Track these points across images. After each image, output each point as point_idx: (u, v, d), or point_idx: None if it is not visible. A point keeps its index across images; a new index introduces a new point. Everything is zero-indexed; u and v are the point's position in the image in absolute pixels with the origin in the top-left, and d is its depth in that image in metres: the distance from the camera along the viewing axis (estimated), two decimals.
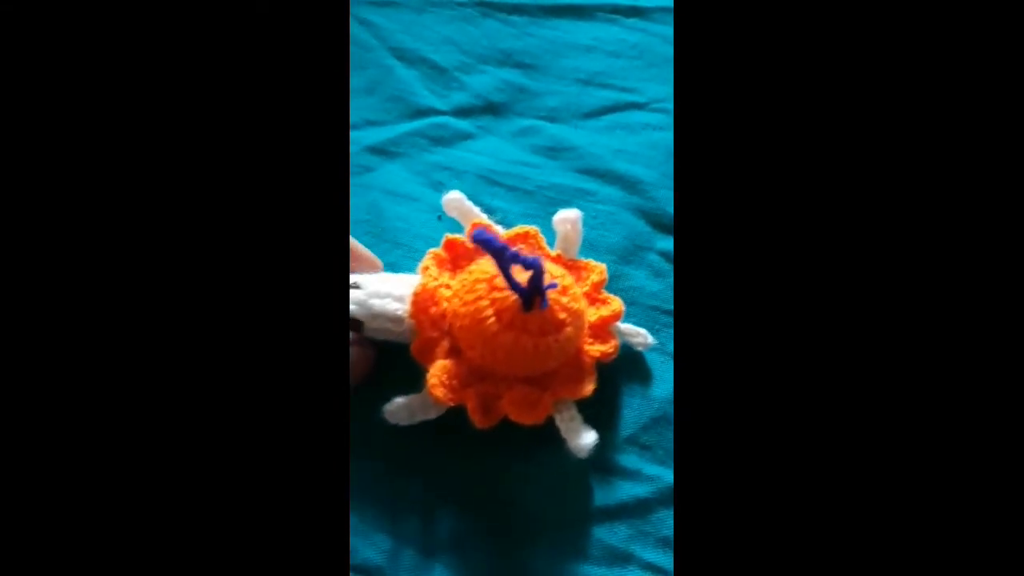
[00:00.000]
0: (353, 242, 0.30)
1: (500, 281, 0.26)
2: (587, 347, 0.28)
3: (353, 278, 0.29)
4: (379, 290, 0.28)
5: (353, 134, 0.37)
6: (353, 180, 0.36)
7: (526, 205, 0.34)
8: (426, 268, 0.29)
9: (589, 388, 0.28)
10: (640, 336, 0.30)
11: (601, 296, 0.30)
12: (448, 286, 0.28)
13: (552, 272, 0.28)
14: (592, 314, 0.29)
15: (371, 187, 0.35)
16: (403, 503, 0.28)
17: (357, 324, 0.28)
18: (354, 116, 0.38)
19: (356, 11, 0.41)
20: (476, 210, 0.31)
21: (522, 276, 0.26)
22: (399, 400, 0.27)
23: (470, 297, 0.27)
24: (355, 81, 0.39)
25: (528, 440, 0.28)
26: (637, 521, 0.27)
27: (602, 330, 0.29)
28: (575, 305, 0.27)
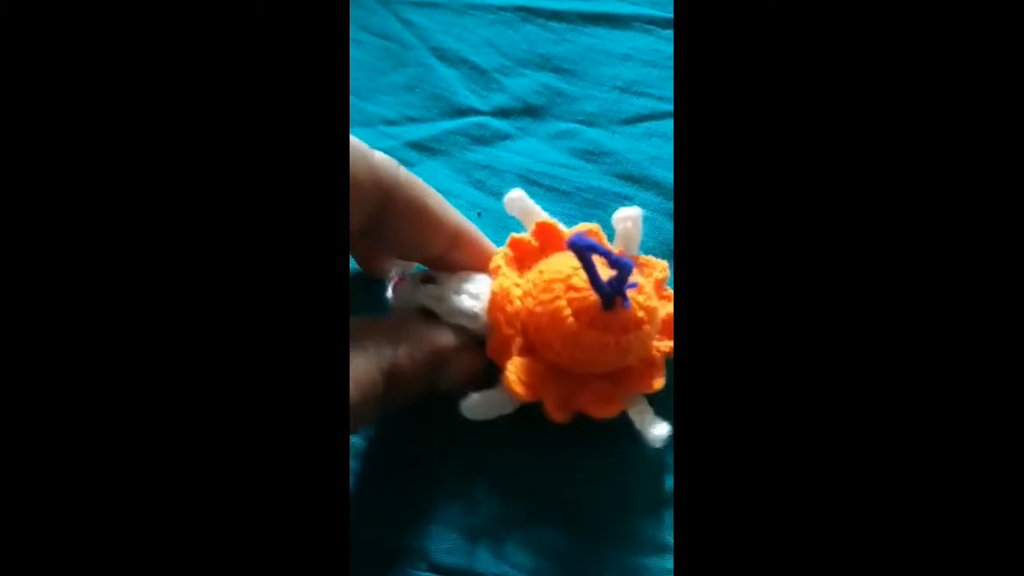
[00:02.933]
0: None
1: (577, 281, 0.27)
2: (656, 343, 0.29)
3: (423, 272, 0.30)
4: (455, 286, 0.29)
5: (394, 130, 0.38)
6: None
7: (564, 206, 0.35)
8: (498, 268, 0.30)
9: (660, 382, 0.28)
10: None
11: (666, 292, 0.31)
12: (518, 284, 0.29)
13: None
14: (660, 310, 0.29)
15: None
16: (449, 491, 0.29)
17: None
18: (395, 112, 0.39)
19: (397, 10, 0.42)
20: (538, 208, 0.31)
21: (603, 274, 0.26)
22: (476, 396, 0.28)
23: (546, 297, 0.27)
24: (396, 78, 0.40)
25: (574, 438, 0.29)
26: None
27: (669, 326, 0.30)
28: (650, 303, 0.28)
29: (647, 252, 0.34)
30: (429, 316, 0.29)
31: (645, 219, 0.35)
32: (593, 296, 0.27)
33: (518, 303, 0.28)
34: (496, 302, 0.28)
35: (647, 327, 0.28)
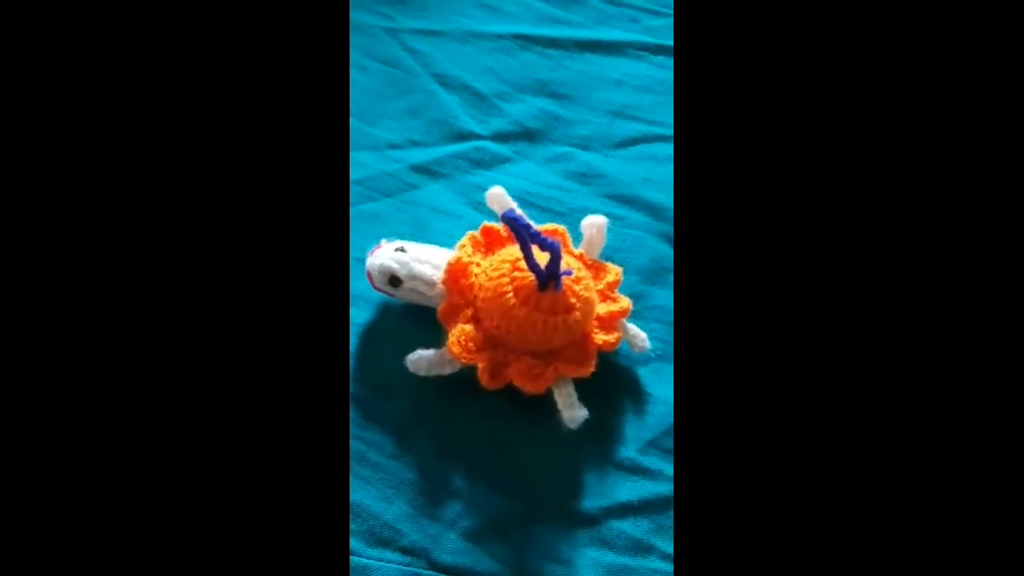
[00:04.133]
0: None
1: (523, 264, 0.30)
2: (594, 335, 0.32)
3: (400, 243, 0.34)
4: (420, 256, 0.33)
5: (398, 153, 0.40)
6: (399, 196, 0.39)
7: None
8: (463, 246, 0.33)
9: (589, 370, 0.31)
10: (639, 339, 0.33)
11: (613, 295, 0.33)
12: (478, 264, 0.33)
13: (570, 263, 0.32)
14: (603, 308, 0.33)
15: (417, 204, 0.38)
16: (447, 492, 0.31)
17: (397, 281, 0.33)
18: (399, 136, 0.41)
19: (403, 39, 0.44)
20: (514, 205, 0.34)
21: (542, 261, 0.30)
22: (421, 352, 0.31)
23: (495, 274, 0.31)
24: (400, 104, 0.42)
25: (564, 440, 0.31)
26: (658, 516, 0.30)
27: (609, 323, 0.33)
28: (586, 294, 0.31)
29: (637, 269, 0.36)
30: (394, 281, 0.33)
31: (636, 238, 0.37)
32: (532, 278, 0.30)
33: (473, 278, 0.32)
34: (452, 272, 0.32)
35: (576, 314, 0.31)
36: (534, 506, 0.30)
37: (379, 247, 0.34)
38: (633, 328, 0.33)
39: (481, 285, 0.31)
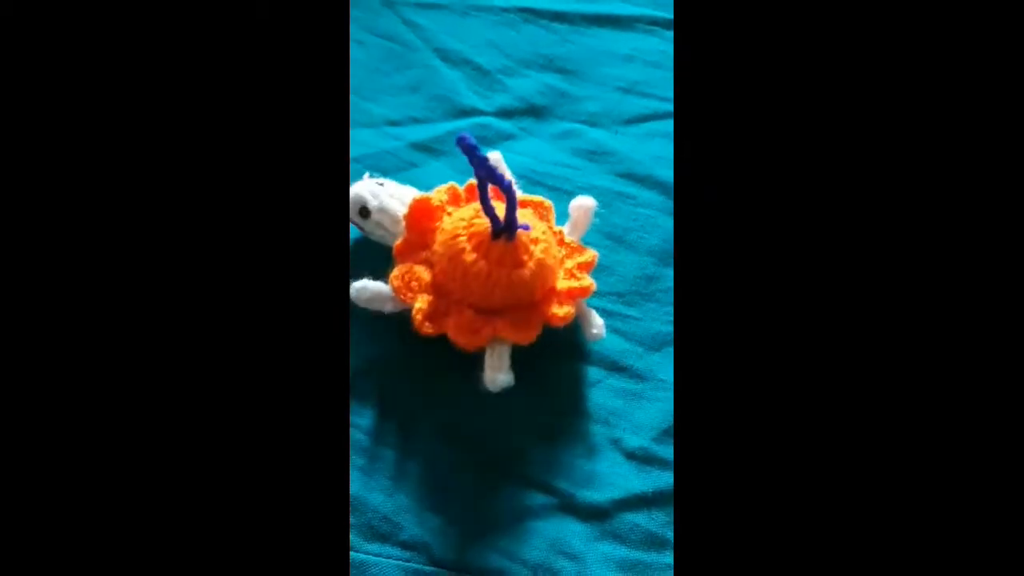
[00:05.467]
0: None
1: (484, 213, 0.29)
2: (547, 308, 0.30)
3: (381, 180, 0.33)
4: (395, 193, 0.33)
5: (398, 131, 0.38)
6: (399, 175, 0.37)
7: (566, 205, 0.35)
8: (438, 191, 0.32)
9: (529, 338, 0.30)
10: (594, 327, 0.31)
11: (579, 276, 0.31)
12: (450, 214, 0.32)
13: (533, 224, 0.30)
14: (563, 284, 0.31)
15: (417, 182, 0.36)
16: (451, 485, 0.29)
17: (366, 212, 0.32)
18: (399, 113, 0.39)
19: (402, 12, 0.42)
20: (509, 175, 0.32)
21: (502, 212, 0.29)
22: (366, 282, 0.30)
23: (457, 220, 0.30)
24: (399, 80, 0.40)
25: (574, 430, 0.29)
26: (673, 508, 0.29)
27: (567, 299, 0.31)
28: (541, 256, 0.30)
29: (650, 250, 0.34)
30: (364, 212, 0.32)
31: (648, 218, 0.35)
32: (487, 225, 0.29)
33: (437, 223, 0.31)
34: (415, 210, 0.31)
35: (524, 272, 0.29)
36: (542, 498, 0.29)
37: (361, 180, 0.33)
38: (593, 314, 0.31)
39: (442, 229, 0.31)
